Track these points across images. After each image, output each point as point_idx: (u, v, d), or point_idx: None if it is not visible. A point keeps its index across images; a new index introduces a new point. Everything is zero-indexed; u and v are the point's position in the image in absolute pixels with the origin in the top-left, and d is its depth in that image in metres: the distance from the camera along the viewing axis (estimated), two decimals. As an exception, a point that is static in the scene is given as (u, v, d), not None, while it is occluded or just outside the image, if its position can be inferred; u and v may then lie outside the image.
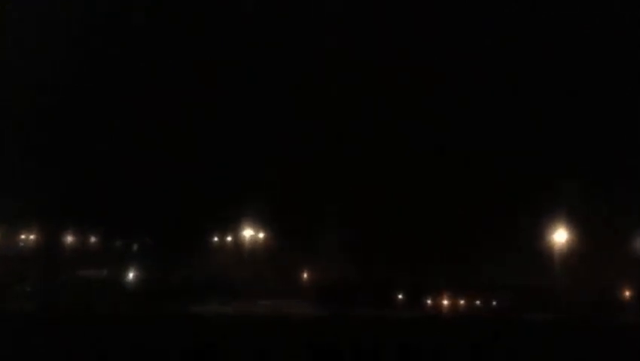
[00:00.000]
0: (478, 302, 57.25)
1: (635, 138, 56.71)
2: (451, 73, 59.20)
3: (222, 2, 62.99)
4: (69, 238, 62.08)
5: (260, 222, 61.47)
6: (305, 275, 59.98)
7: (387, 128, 59.81)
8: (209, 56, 62.47)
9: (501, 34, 59.02)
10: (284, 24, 62.92)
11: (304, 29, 62.00)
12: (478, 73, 59.00)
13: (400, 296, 57.71)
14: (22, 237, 62.04)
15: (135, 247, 62.04)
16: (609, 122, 57.36)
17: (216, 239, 61.66)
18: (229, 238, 62.07)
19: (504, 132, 58.37)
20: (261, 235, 62.02)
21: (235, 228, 61.88)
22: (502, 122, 58.55)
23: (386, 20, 61.54)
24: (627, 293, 55.90)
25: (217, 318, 47.08)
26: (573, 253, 54.27)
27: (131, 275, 58.59)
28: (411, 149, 59.35)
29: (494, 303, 56.59)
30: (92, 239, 62.56)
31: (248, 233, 61.91)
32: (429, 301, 57.72)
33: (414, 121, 59.73)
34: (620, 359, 31.69)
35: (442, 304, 57.31)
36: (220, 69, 62.30)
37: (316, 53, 61.32)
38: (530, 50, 59.31)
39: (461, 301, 57.29)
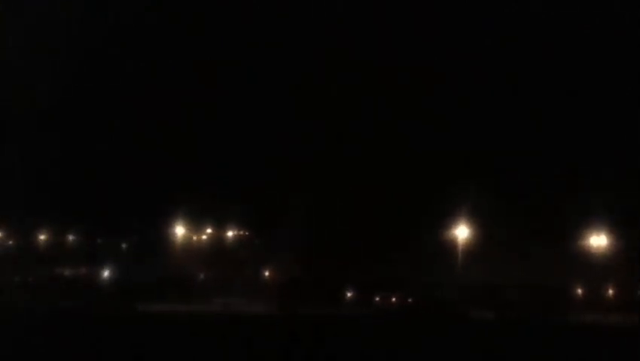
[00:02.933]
0: (424, 300, 57.73)
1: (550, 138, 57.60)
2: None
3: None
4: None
5: (227, 222, 61.91)
6: (267, 274, 60.39)
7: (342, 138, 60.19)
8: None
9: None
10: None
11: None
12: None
13: (349, 294, 58.21)
14: None
15: (124, 245, 62.13)
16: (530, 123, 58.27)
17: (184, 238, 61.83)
18: (196, 237, 62.44)
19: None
20: (229, 234, 62.48)
21: (201, 226, 62.17)
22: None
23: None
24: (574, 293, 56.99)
25: (162, 317, 47.28)
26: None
27: (106, 274, 58.62)
28: (362, 156, 59.74)
29: (441, 300, 57.14)
30: (71, 237, 62.58)
31: (214, 232, 62.31)
32: (377, 299, 58.14)
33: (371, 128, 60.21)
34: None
35: (391, 302, 57.69)
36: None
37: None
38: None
39: (409, 300, 57.66)
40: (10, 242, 62.79)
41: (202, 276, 61.24)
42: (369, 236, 56.46)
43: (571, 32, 58.64)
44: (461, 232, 57.11)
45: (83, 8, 60.50)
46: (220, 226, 62.98)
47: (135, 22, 61.36)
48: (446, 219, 56.39)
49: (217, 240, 62.94)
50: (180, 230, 61.48)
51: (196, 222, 62.30)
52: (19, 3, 59.92)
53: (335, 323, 44.46)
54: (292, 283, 57.44)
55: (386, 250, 55.90)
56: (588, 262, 54.08)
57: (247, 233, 64.10)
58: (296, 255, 56.76)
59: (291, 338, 33.39)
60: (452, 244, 56.77)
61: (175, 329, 38.37)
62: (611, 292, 56.93)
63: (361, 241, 56.39)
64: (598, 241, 55.40)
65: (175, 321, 44.29)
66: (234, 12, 63.14)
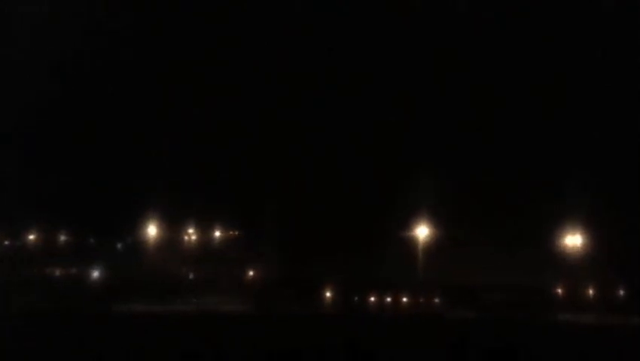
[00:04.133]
0: (405, 300, 57.98)
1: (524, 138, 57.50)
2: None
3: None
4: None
5: (216, 221, 62.59)
6: (250, 273, 60.96)
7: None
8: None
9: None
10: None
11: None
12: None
13: (328, 294, 58.49)
14: None
15: (119, 246, 62.81)
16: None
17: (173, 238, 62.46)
18: (187, 237, 63.04)
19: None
20: (217, 234, 63.01)
21: (191, 226, 62.92)
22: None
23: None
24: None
25: (133, 317, 48.10)
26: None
27: (95, 274, 59.42)
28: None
29: (421, 301, 57.31)
30: (63, 237, 63.27)
31: (203, 232, 62.90)
32: (356, 298, 58.48)
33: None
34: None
35: (369, 302, 58.15)
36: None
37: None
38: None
39: (388, 299, 57.89)
40: (7, 242, 63.76)
41: (191, 276, 61.87)
42: (345, 237, 56.76)
43: (551, 30, 58.47)
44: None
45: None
46: (209, 225, 63.57)
47: (117, 22, 62.32)
48: (420, 219, 56.59)
49: (206, 240, 63.57)
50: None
51: (185, 222, 63.00)
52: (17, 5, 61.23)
53: (314, 322, 44.95)
54: (271, 283, 58.13)
55: (362, 251, 56.20)
56: (565, 262, 53.90)
57: (237, 233, 64.56)
58: (277, 255, 57.42)
59: (267, 337, 33.83)
60: (428, 244, 56.83)
61: (145, 329, 38.95)
62: (591, 292, 56.55)
63: (337, 241, 56.71)
64: (574, 240, 55.03)
65: (146, 321, 44.89)
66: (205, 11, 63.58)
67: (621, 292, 55.88)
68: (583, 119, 56.31)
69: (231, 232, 63.20)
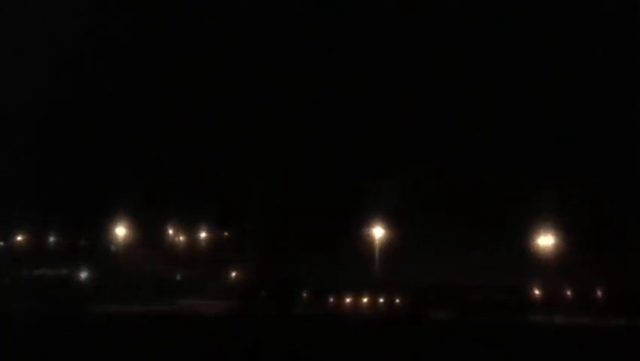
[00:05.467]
0: (381, 300, 58.15)
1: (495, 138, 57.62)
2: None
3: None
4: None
5: (198, 222, 62.70)
6: (233, 274, 61.14)
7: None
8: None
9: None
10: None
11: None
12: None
13: (305, 295, 58.36)
14: None
15: (112, 247, 62.80)
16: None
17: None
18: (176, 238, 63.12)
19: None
20: (203, 235, 63.08)
21: (174, 227, 62.85)
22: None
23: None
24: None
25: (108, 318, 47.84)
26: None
27: (84, 275, 59.40)
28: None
29: (397, 301, 57.51)
30: (53, 238, 63.17)
31: (192, 232, 62.90)
32: (332, 300, 58.45)
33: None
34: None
35: (345, 302, 58.19)
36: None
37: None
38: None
39: (364, 300, 57.99)
40: (2, 243, 63.76)
41: (178, 277, 61.93)
42: (323, 238, 56.63)
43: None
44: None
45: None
46: (198, 226, 63.56)
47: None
48: (396, 221, 56.64)
49: (194, 240, 63.57)
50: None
51: (175, 223, 62.98)
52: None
53: (291, 323, 44.87)
54: (253, 284, 58.24)
55: (339, 252, 56.10)
56: (541, 262, 53.68)
57: (226, 233, 64.59)
58: (261, 255, 57.58)
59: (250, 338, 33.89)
60: (405, 245, 56.67)
61: (129, 330, 38.85)
62: (568, 293, 56.53)
63: (320, 242, 56.58)
64: (546, 241, 54.71)
65: (130, 322, 44.64)
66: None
67: (599, 293, 55.97)
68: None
69: (225, 233, 63.34)
